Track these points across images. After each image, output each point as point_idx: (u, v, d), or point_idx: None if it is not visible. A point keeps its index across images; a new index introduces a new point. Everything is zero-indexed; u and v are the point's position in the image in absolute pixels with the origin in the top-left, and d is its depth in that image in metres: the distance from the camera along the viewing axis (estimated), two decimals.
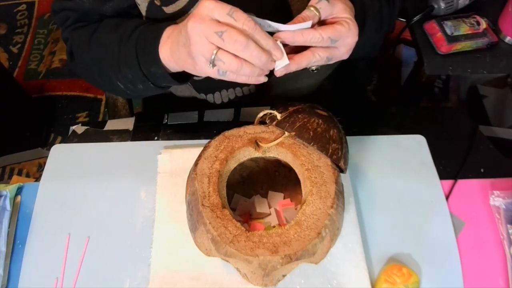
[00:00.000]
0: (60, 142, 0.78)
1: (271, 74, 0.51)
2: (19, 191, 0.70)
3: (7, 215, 0.66)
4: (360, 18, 0.59)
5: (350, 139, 0.64)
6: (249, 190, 0.67)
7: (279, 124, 0.59)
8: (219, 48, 0.46)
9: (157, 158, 0.70)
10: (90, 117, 1.76)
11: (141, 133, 0.77)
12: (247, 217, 0.64)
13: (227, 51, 0.46)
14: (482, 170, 0.71)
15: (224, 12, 0.46)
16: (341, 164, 0.58)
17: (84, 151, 0.74)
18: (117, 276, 0.61)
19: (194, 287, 0.58)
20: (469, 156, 0.72)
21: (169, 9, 0.61)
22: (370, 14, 0.63)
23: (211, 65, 0.47)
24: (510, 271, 0.60)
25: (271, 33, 0.50)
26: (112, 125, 0.79)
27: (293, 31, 0.49)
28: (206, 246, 0.51)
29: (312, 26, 0.51)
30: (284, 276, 0.54)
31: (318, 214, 0.52)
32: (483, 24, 0.85)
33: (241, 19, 0.46)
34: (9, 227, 0.66)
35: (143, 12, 0.64)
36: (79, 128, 0.78)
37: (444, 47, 0.85)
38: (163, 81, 0.59)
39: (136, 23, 0.61)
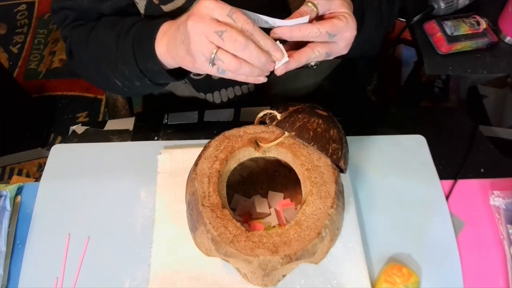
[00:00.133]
0: (60, 142, 0.78)
1: (270, 73, 0.51)
2: (19, 191, 0.70)
3: (7, 215, 0.66)
4: (359, 14, 0.59)
5: (350, 139, 0.64)
6: (249, 190, 0.67)
7: (279, 124, 0.59)
8: (218, 47, 0.47)
9: (157, 158, 0.70)
10: (90, 117, 1.76)
11: (141, 133, 0.77)
12: (247, 217, 0.64)
13: (226, 51, 0.46)
14: (482, 170, 0.71)
15: (224, 13, 0.46)
16: (341, 164, 0.58)
17: (84, 151, 0.74)
18: (117, 276, 0.61)
19: (194, 287, 0.58)
20: (469, 156, 0.72)
21: (167, 8, 0.62)
22: (369, 10, 0.63)
23: (210, 64, 0.48)
24: (510, 271, 0.60)
25: (269, 29, 0.50)
26: (112, 125, 0.79)
27: (291, 26, 0.49)
28: (206, 246, 0.51)
29: (310, 22, 0.51)
30: (284, 276, 0.54)
31: (318, 214, 0.52)
32: (483, 24, 0.85)
33: (241, 20, 0.46)
34: (9, 227, 0.66)
35: (142, 11, 0.64)
36: (79, 128, 0.78)
37: (444, 47, 0.85)
38: (160, 78, 0.59)
39: (133, 20, 0.61)
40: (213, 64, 0.48)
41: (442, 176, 0.69)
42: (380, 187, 0.68)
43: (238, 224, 0.51)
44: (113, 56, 0.60)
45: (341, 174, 0.59)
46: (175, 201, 0.66)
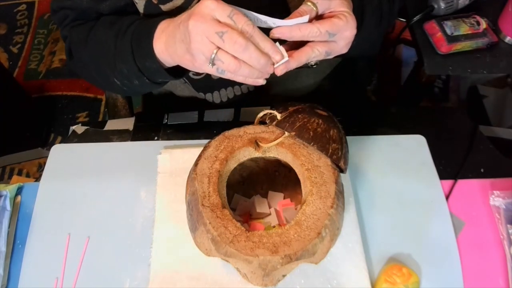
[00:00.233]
0: (60, 142, 0.78)
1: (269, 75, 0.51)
2: (19, 191, 0.70)
3: (7, 215, 0.66)
4: (359, 12, 0.59)
5: (350, 139, 0.64)
6: (249, 190, 0.67)
7: (279, 124, 0.59)
8: (219, 48, 0.47)
9: (157, 158, 0.70)
10: (90, 117, 1.76)
11: (141, 133, 0.77)
12: (247, 217, 0.64)
13: (226, 51, 0.47)
14: (482, 170, 0.71)
15: (225, 14, 0.46)
16: (341, 164, 0.58)
17: (84, 151, 0.74)
18: (117, 276, 0.61)
19: (194, 287, 0.58)
20: (469, 156, 0.72)
21: (166, 7, 0.62)
22: (369, 9, 0.63)
23: (210, 63, 0.48)
24: (510, 271, 0.60)
25: (268, 29, 0.50)
26: (112, 125, 0.79)
27: (290, 26, 0.49)
28: (206, 246, 0.51)
29: (310, 21, 0.51)
30: (284, 276, 0.54)
31: (318, 214, 0.52)
32: (483, 24, 0.85)
33: (241, 21, 0.46)
34: (9, 227, 0.66)
35: (141, 10, 0.64)
36: (79, 128, 0.78)
37: (444, 47, 0.85)
38: (158, 76, 0.59)
39: (132, 19, 0.61)
40: (213, 64, 0.48)
41: (442, 176, 0.69)
42: (380, 187, 0.68)
43: (238, 224, 0.51)
44: (111, 55, 0.61)
45: (341, 174, 0.59)
46: (175, 201, 0.66)
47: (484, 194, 0.67)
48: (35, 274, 0.62)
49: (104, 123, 0.79)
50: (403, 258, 0.62)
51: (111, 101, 0.94)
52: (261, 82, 0.51)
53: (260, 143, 0.57)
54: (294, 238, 0.50)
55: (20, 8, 2.11)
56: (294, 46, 0.53)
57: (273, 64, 0.49)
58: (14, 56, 1.94)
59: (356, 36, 0.53)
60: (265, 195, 0.67)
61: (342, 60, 0.85)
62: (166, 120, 0.78)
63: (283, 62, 0.49)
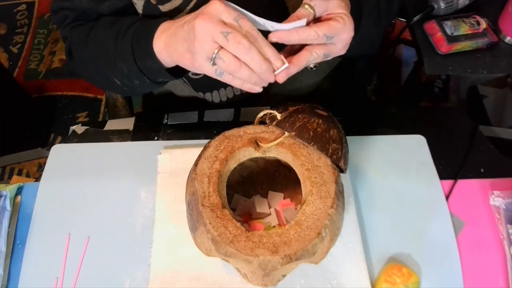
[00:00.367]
0: (60, 142, 0.78)
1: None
2: (19, 191, 0.70)
3: (7, 215, 0.66)
4: (356, 12, 0.59)
5: (350, 139, 0.64)
6: (249, 190, 0.67)
7: (279, 124, 0.59)
8: (221, 47, 0.47)
9: (157, 158, 0.70)
10: (90, 117, 1.76)
11: (141, 133, 0.77)
12: (247, 217, 0.64)
13: (229, 51, 0.47)
14: (482, 170, 0.71)
15: (231, 17, 0.47)
16: (341, 164, 0.58)
17: (84, 151, 0.74)
18: (117, 276, 0.61)
19: (194, 287, 0.58)
20: (469, 156, 0.72)
21: (165, 8, 0.62)
22: (367, 8, 0.63)
23: (211, 62, 0.48)
24: (510, 271, 0.60)
25: (266, 32, 0.50)
26: (112, 125, 0.79)
27: (288, 30, 0.49)
28: (206, 246, 0.51)
29: (308, 24, 0.51)
30: (284, 276, 0.54)
31: (318, 214, 0.52)
32: (483, 24, 0.85)
33: (246, 26, 0.47)
34: (9, 227, 0.66)
35: (140, 11, 0.64)
36: (79, 128, 0.78)
37: (444, 47, 0.85)
38: (158, 76, 0.60)
39: (132, 19, 0.61)
40: (214, 64, 0.48)
41: (442, 176, 0.69)
42: (380, 187, 0.68)
43: (238, 224, 0.51)
44: (112, 55, 0.61)
45: (341, 174, 0.59)
46: (175, 201, 0.66)
47: (484, 194, 0.67)
48: (35, 274, 0.62)
49: (104, 123, 0.79)
50: (403, 258, 0.62)
51: (111, 101, 0.94)
52: (258, 89, 0.51)
53: (260, 143, 0.57)
54: (294, 238, 0.50)
55: (20, 8, 2.11)
56: (292, 50, 0.53)
57: (274, 71, 0.49)
58: (14, 56, 1.94)
59: (355, 35, 0.53)
60: (265, 195, 0.67)
61: (342, 60, 0.85)
62: (166, 120, 0.78)
63: (283, 69, 0.49)
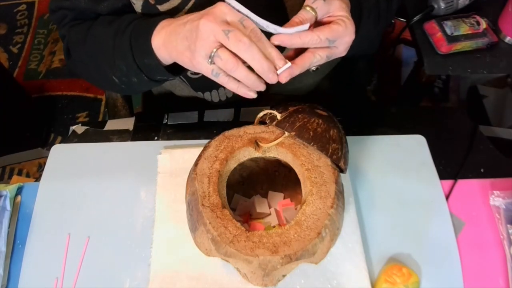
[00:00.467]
0: (60, 142, 0.78)
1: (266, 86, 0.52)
2: (19, 191, 0.70)
3: (7, 215, 0.66)
4: (356, 12, 0.59)
5: (350, 139, 0.64)
6: (249, 190, 0.67)
7: (279, 124, 0.59)
8: (221, 46, 0.47)
9: (157, 158, 0.70)
10: (90, 117, 1.76)
11: (141, 133, 0.77)
12: (247, 217, 0.64)
13: (229, 50, 0.47)
14: (482, 170, 0.71)
15: (236, 18, 0.48)
16: (341, 164, 0.58)
17: (84, 151, 0.74)
18: (117, 276, 0.61)
19: (194, 287, 0.58)
20: (469, 156, 0.72)
21: (163, 7, 0.62)
22: (366, 7, 0.63)
23: (209, 60, 0.48)
24: (510, 271, 0.60)
25: (269, 34, 0.50)
26: (112, 125, 0.79)
27: (291, 34, 0.49)
28: (206, 246, 0.51)
29: (309, 26, 0.51)
30: (284, 276, 0.54)
31: (318, 214, 0.52)
32: (483, 24, 0.85)
33: (250, 27, 0.48)
34: (9, 227, 0.66)
35: (138, 11, 0.64)
36: (79, 128, 0.78)
37: (444, 47, 0.85)
38: (156, 73, 0.60)
39: (131, 17, 0.61)
40: (212, 62, 0.48)
41: (442, 176, 0.69)
42: (380, 187, 0.68)
43: (238, 224, 0.51)
44: (110, 52, 0.61)
45: (341, 174, 0.59)
46: (175, 201, 0.66)
47: (484, 194, 0.67)
48: (35, 274, 0.62)
49: (104, 123, 0.79)
50: (403, 258, 0.62)
51: (111, 101, 0.94)
52: (252, 95, 0.51)
53: (260, 143, 0.57)
54: (294, 238, 0.50)
55: (20, 8, 2.11)
56: (293, 54, 0.53)
57: (275, 72, 0.49)
58: (14, 56, 1.94)
59: (356, 36, 0.53)
60: (265, 195, 0.67)
61: (342, 60, 0.84)
62: (166, 120, 0.78)
63: (286, 68, 0.49)
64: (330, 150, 0.56)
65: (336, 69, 0.86)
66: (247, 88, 0.50)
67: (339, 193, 0.55)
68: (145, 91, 1.01)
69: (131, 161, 0.72)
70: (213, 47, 0.47)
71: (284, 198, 0.66)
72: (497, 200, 0.66)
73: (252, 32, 0.48)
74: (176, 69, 0.59)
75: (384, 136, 0.73)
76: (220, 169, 0.55)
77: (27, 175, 1.62)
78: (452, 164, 0.71)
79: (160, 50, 0.55)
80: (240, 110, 0.78)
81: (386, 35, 1.51)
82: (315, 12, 0.51)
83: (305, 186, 0.55)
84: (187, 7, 0.61)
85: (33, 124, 1.65)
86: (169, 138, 0.75)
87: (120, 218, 0.66)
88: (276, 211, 0.65)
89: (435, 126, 0.76)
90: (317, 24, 0.52)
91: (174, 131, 0.76)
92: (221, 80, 0.50)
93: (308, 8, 0.51)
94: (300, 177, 0.57)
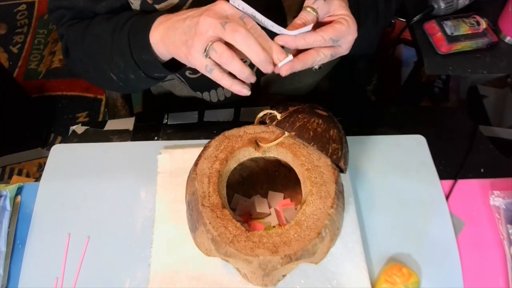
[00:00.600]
0: (60, 142, 0.78)
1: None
2: (19, 191, 0.70)
3: (7, 215, 0.66)
4: (355, 11, 0.59)
5: (350, 139, 0.64)
6: (249, 190, 0.67)
7: (279, 124, 0.59)
8: (218, 40, 0.48)
9: (157, 158, 0.70)
10: (90, 117, 1.76)
11: (141, 133, 0.77)
12: (247, 217, 0.64)
13: (225, 44, 0.47)
14: (482, 170, 0.71)
15: (237, 15, 0.48)
16: (341, 164, 0.58)
17: (84, 151, 0.74)
18: (117, 276, 0.61)
19: (194, 287, 0.58)
20: (469, 156, 0.72)
21: (161, 6, 0.62)
22: (364, 7, 0.63)
23: (205, 54, 0.48)
24: (510, 271, 0.60)
25: (273, 34, 0.50)
26: (112, 125, 0.79)
27: (295, 36, 0.49)
28: (206, 246, 0.51)
29: (312, 28, 0.51)
30: (284, 276, 0.54)
31: (318, 214, 0.52)
32: (483, 24, 0.85)
33: (250, 24, 0.48)
34: (9, 227, 0.66)
35: (136, 10, 0.64)
36: (79, 128, 0.78)
37: (444, 47, 0.85)
38: (154, 70, 0.60)
39: (130, 14, 0.62)
40: (207, 55, 0.48)
41: (442, 176, 0.69)
42: (380, 187, 0.68)
43: (238, 224, 0.51)
44: (108, 49, 0.61)
45: (341, 174, 0.59)
46: (175, 201, 0.66)
47: (484, 194, 0.67)
48: (35, 274, 0.62)
49: (104, 123, 0.79)
50: (403, 258, 0.62)
51: (111, 101, 0.94)
52: (246, 92, 0.51)
53: (260, 143, 0.57)
54: (294, 238, 0.50)
55: (20, 8, 2.11)
56: (295, 52, 0.53)
57: (274, 64, 0.49)
58: (14, 56, 1.94)
59: None
60: (265, 195, 0.67)
61: (341, 60, 0.85)
62: (166, 120, 0.78)
63: (287, 61, 0.49)
64: (330, 150, 0.56)
65: (336, 69, 0.86)
66: (241, 85, 0.50)
67: (339, 193, 0.55)
68: (145, 91, 1.01)
69: (131, 161, 0.72)
70: (209, 41, 0.48)
71: (284, 198, 0.66)
72: (497, 200, 0.66)
73: (252, 28, 0.48)
74: (174, 66, 0.59)
75: (384, 136, 0.73)
76: (220, 169, 0.55)
77: (27, 175, 1.62)
78: (452, 164, 0.71)
79: (158, 45, 0.55)
80: (240, 110, 0.78)
81: (386, 35, 1.51)
82: (316, 13, 0.51)
83: (305, 186, 0.55)
84: (185, 7, 0.61)
85: (33, 124, 1.65)
86: (169, 138, 0.75)
87: (120, 218, 0.66)
88: (276, 211, 0.65)
89: (435, 126, 0.76)
90: (318, 24, 0.52)
91: (174, 131, 0.76)
92: (215, 75, 0.50)
93: (309, 9, 0.51)
94: (300, 177, 0.57)
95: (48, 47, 1.97)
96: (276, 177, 0.68)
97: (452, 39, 0.84)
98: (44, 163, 0.72)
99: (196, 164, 0.56)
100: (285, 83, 0.80)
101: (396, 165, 0.70)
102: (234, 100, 0.79)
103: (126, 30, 0.59)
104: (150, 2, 0.62)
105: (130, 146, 0.75)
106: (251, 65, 0.50)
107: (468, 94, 1.49)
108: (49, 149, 0.75)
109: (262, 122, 0.61)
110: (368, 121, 0.76)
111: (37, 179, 0.85)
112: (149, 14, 0.58)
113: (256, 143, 0.57)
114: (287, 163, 0.58)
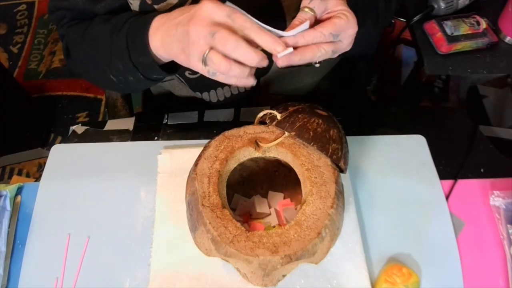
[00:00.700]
0: (60, 142, 0.78)
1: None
2: (19, 191, 0.70)
3: (7, 215, 0.66)
4: (353, 10, 0.59)
5: (350, 139, 0.64)
6: (249, 190, 0.67)
7: (279, 124, 0.59)
8: (211, 48, 0.47)
9: (157, 158, 0.70)
10: (90, 117, 1.76)
11: (141, 133, 0.77)
12: (247, 217, 0.64)
13: (218, 51, 0.47)
14: (482, 170, 0.71)
15: (224, 14, 0.47)
16: (341, 164, 0.58)
17: (84, 151, 0.74)
18: (117, 276, 0.61)
19: (194, 287, 0.58)
20: (469, 156, 0.72)
21: (160, 7, 0.62)
22: (363, 6, 0.63)
23: (203, 63, 0.48)
24: (510, 271, 0.60)
25: None
26: (112, 125, 0.79)
27: (294, 35, 0.49)
28: (206, 246, 0.51)
29: (311, 26, 0.51)
30: (284, 276, 0.54)
31: (318, 214, 0.52)
32: (483, 24, 0.85)
33: (239, 20, 0.47)
34: (9, 227, 0.66)
35: (135, 11, 0.64)
36: (79, 128, 0.78)
37: (444, 47, 0.85)
38: (152, 72, 0.60)
39: (127, 16, 0.62)
40: (206, 64, 0.48)
41: (442, 176, 0.69)
42: (380, 187, 0.68)
43: (238, 224, 0.51)
44: (107, 50, 0.61)
45: (341, 174, 0.59)
46: (175, 201, 0.66)
47: (484, 194, 0.67)
48: (35, 274, 0.62)
49: (104, 123, 0.79)
50: (403, 258, 0.62)
51: (111, 101, 0.94)
52: (252, 82, 0.51)
53: (260, 143, 0.57)
54: (294, 238, 0.50)
55: (20, 8, 2.11)
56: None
57: (266, 58, 0.48)
58: (14, 56, 1.94)
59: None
60: (265, 195, 0.67)
61: (341, 60, 0.85)
62: (166, 120, 0.78)
63: (287, 53, 0.48)
64: (330, 150, 0.56)
65: (336, 69, 0.86)
66: (245, 79, 0.50)
67: (339, 193, 0.55)
68: (145, 91, 1.01)
69: (131, 161, 0.72)
70: (204, 50, 0.47)
71: (284, 198, 0.66)
72: (497, 200, 0.66)
73: (242, 24, 0.47)
74: (173, 68, 0.59)
75: (384, 136, 0.73)
76: (220, 169, 0.55)
77: (27, 175, 1.62)
78: (452, 164, 0.71)
79: (159, 50, 0.55)
80: (240, 110, 0.78)
81: (386, 35, 1.51)
82: (314, 12, 0.51)
83: (305, 186, 0.55)
84: (187, 7, 0.61)
85: (33, 124, 1.65)
86: (169, 138, 0.75)
87: (120, 218, 0.66)
88: (276, 211, 0.65)
89: (435, 126, 0.76)
90: (317, 22, 0.52)
91: (174, 131, 0.76)
92: (219, 78, 0.50)
93: (306, 9, 0.51)
94: (300, 177, 0.57)
95: (48, 47, 1.97)
96: (276, 177, 0.68)
97: (452, 39, 0.84)
98: (44, 163, 0.72)
99: (196, 164, 0.56)
100: (285, 83, 0.80)
101: (396, 165, 0.70)
102: (234, 100, 0.79)
103: (124, 32, 0.59)
104: (149, 2, 0.62)
105: (130, 146, 0.75)
106: None
107: (468, 94, 1.49)
108: (49, 149, 0.75)
109: (262, 122, 0.61)
110: (368, 121, 0.76)
111: (37, 179, 0.85)
112: (145, 15, 0.59)
113: (256, 143, 0.57)
114: (287, 163, 0.58)
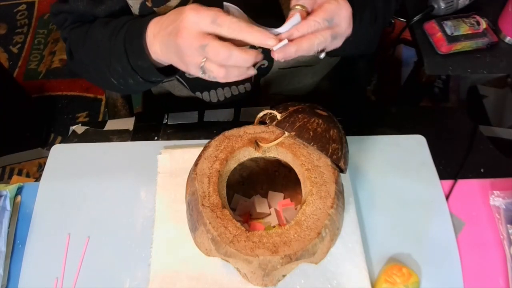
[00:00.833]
0: (60, 142, 0.78)
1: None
2: (19, 191, 0.70)
3: (7, 215, 0.66)
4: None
5: (350, 139, 0.64)
6: (249, 190, 0.67)
7: (279, 124, 0.59)
8: (206, 58, 0.48)
9: (157, 158, 0.70)
10: (90, 117, 1.76)
11: (141, 133, 0.77)
12: (247, 217, 0.64)
13: (213, 62, 0.48)
14: (482, 170, 0.71)
15: (208, 22, 0.46)
16: (341, 164, 0.58)
17: (84, 151, 0.74)
18: (117, 276, 0.61)
19: (194, 287, 0.58)
20: (469, 156, 0.72)
21: (160, 10, 0.62)
22: (361, 6, 0.62)
23: (201, 72, 0.50)
24: (510, 271, 0.60)
25: None
26: (112, 125, 0.79)
27: (288, 31, 0.49)
28: (206, 246, 0.51)
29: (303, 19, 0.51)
30: (284, 276, 0.54)
31: (318, 214, 0.52)
32: (483, 24, 0.85)
33: (225, 23, 0.46)
34: (9, 227, 0.66)
35: (136, 13, 0.65)
36: (79, 128, 0.78)
37: (444, 47, 0.85)
38: (150, 75, 0.60)
39: (125, 19, 0.62)
40: (204, 72, 0.49)
41: (442, 176, 0.69)
42: (380, 187, 0.68)
43: (238, 224, 0.51)
44: (107, 54, 0.61)
45: (341, 174, 0.59)
46: (175, 201, 0.66)
47: (484, 194, 0.67)
48: (35, 274, 0.62)
49: (104, 123, 0.79)
50: (403, 258, 0.62)
51: (111, 101, 0.94)
52: (252, 72, 0.50)
53: (260, 143, 0.57)
54: (294, 238, 0.50)
55: (20, 8, 2.11)
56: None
57: (260, 54, 0.48)
58: (14, 56, 1.94)
59: (351, 34, 0.53)
60: (265, 195, 0.67)
61: (340, 60, 0.85)
62: (166, 120, 0.78)
63: (282, 45, 0.48)
64: (330, 150, 0.56)
65: (336, 69, 0.86)
66: (246, 73, 0.50)
67: (339, 193, 0.55)
68: (145, 91, 1.01)
69: (131, 161, 0.72)
70: (200, 61, 0.48)
71: (284, 198, 0.66)
72: (497, 200, 0.66)
73: (229, 26, 0.46)
74: (172, 70, 0.60)
75: (384, 136, 0.73)
76: (220, 169, 0.55)
77: (27, 175, 1.62)
78: (452, 164, 0.71)
79: (160, 56, 0.56)
80: (240, 110, 0.78)
81: (386, 35, 1.51)
82: (304, 7, 0.51)
83: (305, 186, 0.55)
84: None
85: (33, 124, 1.65)
86: (169, 138, 0.75)
87: (120, 218, 0.66)
88: (276, 211, 0.65)
89: (435, 126, 0.76)
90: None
91: (174, 131, 0.76)
92: (220, 80, 0.51)
93: (297, 7, 0.51)
94: (300, 177, 0.57)
95: (48, 47, 1.97)
96: (276, 177, 0.68)
97: (452, 39, 0.84)
98: (44, 163, 0.72)
99: (196, 164, 0.56)
100: (285, 83, 0.80)
101: (396, 165, 0.70)
102: (234, 100, 0.79)
103: (122, 36, 0.59)
104: (150, 5, 0.62)
105: (130, 146, 0.75)
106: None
107: (468, 94, 1.49)
108: (49, 149, 0.75)
109: (262, 122, 0.61)
110: (368, 121, 0.76)
111: (37, 179, 0.85)
112: (141, 19, 0.59)
113: (256, 143, 0.57)
114: (287, 163, 0.58)
